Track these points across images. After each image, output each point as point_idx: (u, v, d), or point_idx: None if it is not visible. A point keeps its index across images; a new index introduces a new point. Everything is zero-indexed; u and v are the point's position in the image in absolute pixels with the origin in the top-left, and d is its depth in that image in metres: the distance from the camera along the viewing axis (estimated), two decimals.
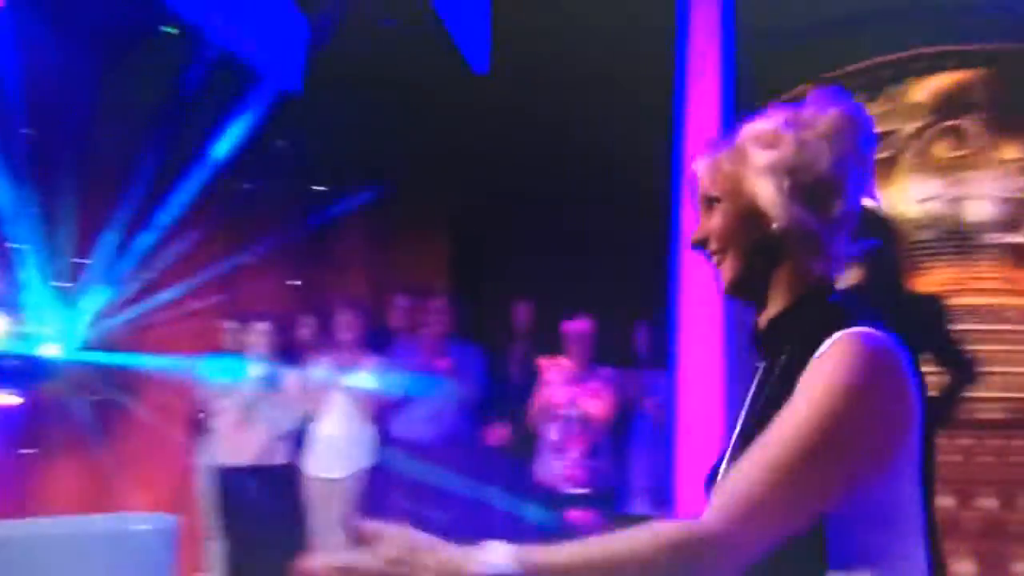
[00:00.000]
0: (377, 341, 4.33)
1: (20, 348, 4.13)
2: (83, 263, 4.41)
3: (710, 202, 1.13)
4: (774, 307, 1.11)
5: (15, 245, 4.16)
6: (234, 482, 4.14)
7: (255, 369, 4.27)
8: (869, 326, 1.02)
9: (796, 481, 0.95)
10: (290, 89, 4.36)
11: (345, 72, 4.14)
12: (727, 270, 1.12)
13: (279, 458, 4.22)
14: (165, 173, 4.31)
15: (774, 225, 1.09)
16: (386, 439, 4.21)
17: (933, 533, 1.14)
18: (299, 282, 4.82)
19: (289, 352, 4.37)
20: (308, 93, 4.17)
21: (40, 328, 4.19)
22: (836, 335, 1.00)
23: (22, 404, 4.15)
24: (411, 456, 4.09)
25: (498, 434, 4.35)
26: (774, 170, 1.10)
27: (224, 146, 4.45)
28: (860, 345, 1.00)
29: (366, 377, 4.20)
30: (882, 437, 1.00)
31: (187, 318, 4.42)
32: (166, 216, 4.42)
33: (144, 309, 4.37)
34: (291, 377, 4.29)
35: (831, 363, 0.98)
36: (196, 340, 4.46)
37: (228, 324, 4.41)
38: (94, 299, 4.39)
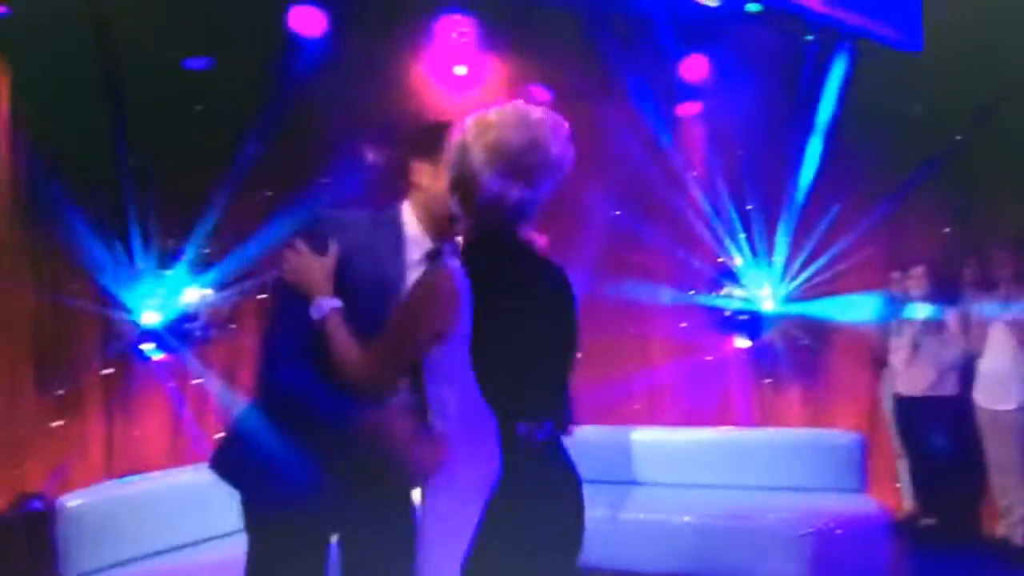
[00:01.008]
0: None
1: (747, 306, 5.68)
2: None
3: None
4: None
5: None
6: (909, 410, 4.81)
7: (919, 309, 4.83)
8: (454, 262, 1.59)
9: (387, 346, 1.65)
10: (911, 49, 4.74)
11: None
12: None
13: (948, 390, 4.68)
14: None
15: (451, 208, 1.69)
16: None
17: (507, 388, 1.59)
18: (948, 229, 5.09)
19: (950, 292, 4.75)
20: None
21: (757, 291, 5.66)
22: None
23: (750, 347, 5.73)
24: None
25: None
26: (446, 167, 1.69)
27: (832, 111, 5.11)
28: (427, 271, 1.64)
29: None
30: (432, 326, 1.57)
31: (857, 268, 5.27)
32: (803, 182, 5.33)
33: (823, 267, 5.41)
34: (952, 315, 4.69)
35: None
36: (869, 286, 5.28)
37: (893, 272, 5.09)
38: (767, 271, 5.63)
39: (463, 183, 1.64)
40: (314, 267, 1.82)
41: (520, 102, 1.64)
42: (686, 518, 3.96)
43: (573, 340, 1.75)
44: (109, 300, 4.75)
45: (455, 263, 1.59)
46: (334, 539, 2.08)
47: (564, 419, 1.70)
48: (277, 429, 1.90)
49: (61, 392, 4.72)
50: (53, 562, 3.28)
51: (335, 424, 1.79)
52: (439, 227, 1.94)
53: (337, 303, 1.79)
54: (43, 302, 4.62)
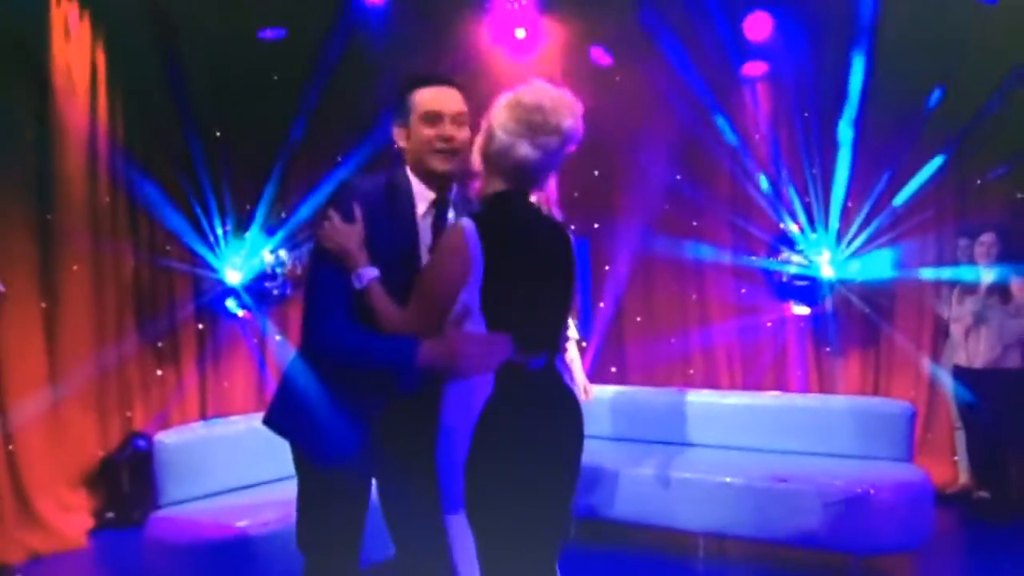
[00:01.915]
0: None
1: (806, 273, 5.62)
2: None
3: None
4: None
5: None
6: (969, 381, 4.71)
7: (985, 278, 4.68)
8: (472, 218, 1.88)
9: (421, 302, 1.93)
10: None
11: None
12: None
13: (1012, 362, 4.55)
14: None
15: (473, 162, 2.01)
16: None
17: (509, 325, 1.91)
18: (1021, 195, 4.86)
19: (1020, 261, 4.57)
20: None
21: (815, 259, 5.59)
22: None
23: (809, 314, 5.68)
24: None
25: None
26: (481, 131, 1.98)
27: None
28: (447, 231, 1.95)
29: None
30: (453, 277, 1.87)
31: (919, 234, 5.11)
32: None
33: (878, 236, 5.29)
34: (1020, 285, 4.52)
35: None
36: (932, 255, 5.12)
37: (960, 239, 4.91)
38: (826, 237, 5.51)
39: (484, 137, 1.97)
40: (348, 236, 2.02)
41: (549, 83, 1.96)
42: (728, 479, 4.06)
43: (570, 287, 2.05)
44: (198, 261, 5.22)
45: (468, 222, 1.88)
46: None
47: (558, 349, 2.02)
48: (323, 384, 2.11)
49: (161, 344, 5.26)
50: (152, 493, 3.69)
51: (390, 371, 1.98)
52: (428, 182, 2.13)
53: (375, 272, 2.00)
54: (141, 263, 5.13)
